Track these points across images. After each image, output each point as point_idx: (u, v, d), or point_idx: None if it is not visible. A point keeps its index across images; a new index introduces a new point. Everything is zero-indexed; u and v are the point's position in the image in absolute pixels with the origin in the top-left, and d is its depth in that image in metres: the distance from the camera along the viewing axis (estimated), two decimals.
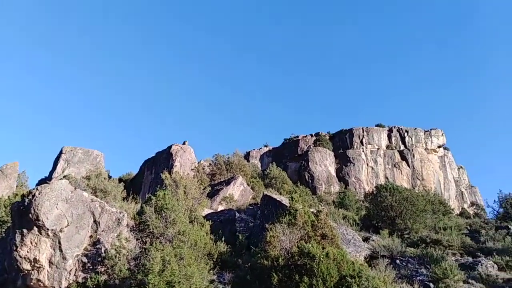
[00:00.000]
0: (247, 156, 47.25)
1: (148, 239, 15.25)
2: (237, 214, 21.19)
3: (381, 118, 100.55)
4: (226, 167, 33.92)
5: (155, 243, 11.88)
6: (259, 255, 10.25)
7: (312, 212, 14.05)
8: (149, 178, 34.58)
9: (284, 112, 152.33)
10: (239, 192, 27.35)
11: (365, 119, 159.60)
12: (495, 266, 16.04)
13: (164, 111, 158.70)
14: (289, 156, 45.98)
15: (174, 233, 13.54)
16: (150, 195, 17.14)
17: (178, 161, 31.83)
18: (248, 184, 30.47)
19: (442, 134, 45.05)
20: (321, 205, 24.89)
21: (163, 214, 14.66)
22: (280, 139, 54.09)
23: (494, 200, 25.62)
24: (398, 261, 16.75)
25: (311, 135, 47.24)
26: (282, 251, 10.34)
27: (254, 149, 49.55)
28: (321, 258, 8.97)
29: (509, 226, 21.50)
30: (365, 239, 19.39)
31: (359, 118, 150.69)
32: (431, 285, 13.78)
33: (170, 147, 34.25)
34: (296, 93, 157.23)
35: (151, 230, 14.44)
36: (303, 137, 47.35)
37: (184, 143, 35.43)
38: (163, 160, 33.67)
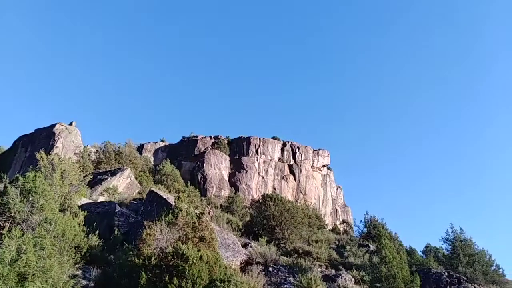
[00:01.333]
0: (140, 149, 45.28)
1: (7, 223, 13.50)
2: (118, 208, 20.06)
3: (278, 131, 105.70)
4: (115, 156, 32.01)
5: (14, 229, 10.54)
6: (131, 252, 9.77)
7: (196, 213, 13.97)
8: (23, 156, 30.86)
9: (187, 110, 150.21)
10: (124, 185, 25.97)
11: (264, 129, 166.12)
12: (353, 279, 17.85)
13: (52, 82, 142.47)
14: (185, 155, 45.36)
15: (39, 221, 12.22)
16: (18, 175, 15.25)
17: (60, 142, 29.00)
18: (136, 178, 29.15)
19: (328, 155, 49.14)
20: (208, 208, 24.98)
21: (30, 198, 13.16)
22: (179, 136, 53.03)
23: (361, 220, 28.67)
24: (270, 269, 17.59)
25: (211, 137, 47.34)
26: (157, 250, 10.03)
27: (149, 142, 47.73)
28: (194, 261, 8.93)
29: (369, 245, 24.18)
30: (245, 245, 19.96)
31: (260, 127, 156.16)
32: None
33: (53, 125, 31.05)
34: (201, 94, 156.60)
35: (12, 214, 12.83)
36: (202, 137, 47.19)
37: (71, 124, 32.46)
38: (43, 138, 30.35)
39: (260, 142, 45.77)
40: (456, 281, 16.83)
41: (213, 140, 46.66)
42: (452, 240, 21.86)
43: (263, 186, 43.12)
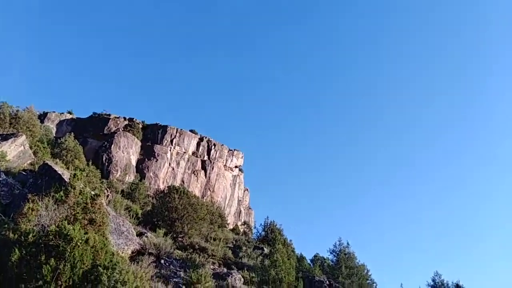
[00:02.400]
0: (43, 117, 41.34)
1: None
2: (3, 176, 17.99)
3: (197, 125, 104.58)
4: (11, 120, 28.71)
5: None
6: (6, 225, 8.80)
7: (91, 194, 13.11)
8: None
9: (103, 85, 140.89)
10: (16, 153, 23.39)
11: (184, 120, 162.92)
12: (242, 279, 18.30)
13: None
14: (93, 132, 42.47)
15: None
16: None
17: None
18: (31, 147, 26.43)
19: (242, 156, 49.95)
20: (107, 191, 23.66)
21: None
22: (89, 111, 49.46)
23: (261, 224, 29.62)
24: (163, 261, 17.24)
25: (124, 118, 44.99)
26: (38, 227, 9.18)
27: (54, 112, 43.83)
28: (78, 243, 8.35)
29: (264, 248, 25.03)
30: (140, 234, 19.30)
31: (180, 117, 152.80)
32: (183, 287, 14.63)
33: None
34: (121, 71, 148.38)
35: None
36: (115, 117, 44.62)
37: None
38: None
39: (176, 132, 44.78)
40: None
41: (126, 122, 44.44)
42: (338, 252, 23.62)
43: (172, 177, 42.22)
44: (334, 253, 23.89)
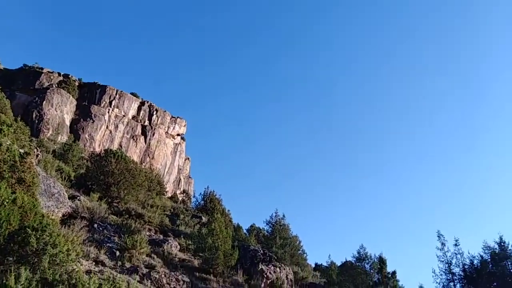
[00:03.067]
0: None
1: None
2: None
3: (138, 88, 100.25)
4: None
5: None
6: None
7: (19, 152, 12.14)
8: None
9: (36, 34, 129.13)
10: None
11: (125, 81, 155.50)
12: (178, 246, 18.33)
13: None
14: (23, 86, 39.02)
15: None
16: None
17: None
18: None
19: (185, 125, 49.02)
20: (37, 150, 22.08)
21: None
22: (19, 62, 45.27)
23: (200, 193, 29.62)
24: (96, 226, 16.66)
25: (59, 74, 41.77)
26: None
27: None
28: (5, 203, 7.75)
29: (202, 217, 25.18)
30: (72, 197, 18.40)
31: (121, 78, 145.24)
32: (117, 252, 14.33)
33: None
34: (59, 22, 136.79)
35: None
36: (48, 72, 41.25)
37: None
38: None
39: (116, 94, 42.63)
40: (268, 259, 18.90)
41: (61, 78, 41.37)
42: (273, 223, 24.48)
43: (109, 141, 40.45)
44: (269, 224, 24.72)
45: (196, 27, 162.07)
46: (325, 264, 28.31)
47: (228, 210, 28.33)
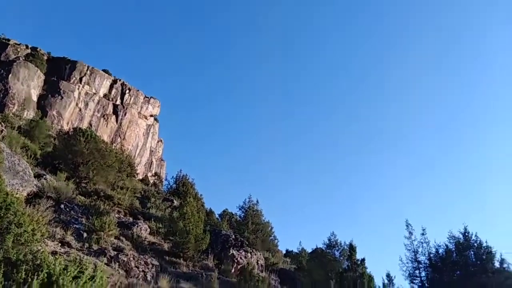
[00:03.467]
0: None
1: None
2: None
3: (111, 65, 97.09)
4: None
5: None
6: None
7: None
8: None
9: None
10: None
11: (98, 58, 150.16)
12: (148, 230, 17.97)
13: None
14: None
15: None
16: None
17: None
18: None
19: (159, 106, 47.91)
20: (1, 125, 20.98)
21: None
22: None
23: (173, 176, 29.18)
24: (63, 206, 16.05)
25: (27, 47, 39.68)
26: None
27: None
28: None
29: (174, 201, 24.81)
30: (38, 176, 17.64)
31: (93, 54, 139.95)
32: (85, 234, 13.86)
33: None
34: None
35: None
36: (15, 43, 39.10)
37: None
38: None
39: (87, 70, 41.02)
40: (239, 244, 18.86)
41: (29, 51, 39.36)
42: (246, 208, 24.44)
43: (79, 119, 39.05)
44: (242, 210, 24.67)
45: (169, 2, 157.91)
46: (296, 250, 28.71)
47: (201, 195, 28.06)
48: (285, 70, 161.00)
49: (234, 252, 18.29)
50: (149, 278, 13.12)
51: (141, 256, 13.98)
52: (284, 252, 30.53)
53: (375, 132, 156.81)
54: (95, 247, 13.37)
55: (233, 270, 17.45)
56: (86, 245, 13.25)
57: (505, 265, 21.74)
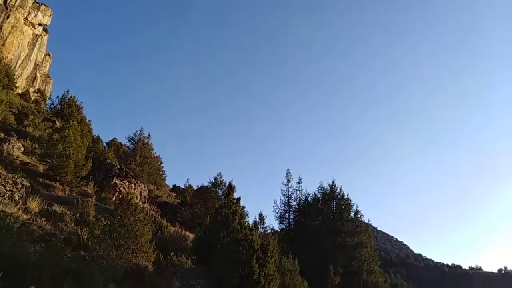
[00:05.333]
0: None
1: None
2: None
3: None
4: None
5: None
6: None
7: None
8: None
9: None
10: None
11: None
12: (22, 149, 16.61)
13: None
14: None
15: None
16: None
17: None
18: None
19: (50, 15, 41.99)
20: None
21: None
22: None
23: (58, 96, 26.72)
24: None
25: None
26: None
27: None
28: None
29: (57, 122, 23.03)
30: None
31: None
32: None
33: None
34: None
35: None
36: None
37: None
38: None
39: None
40: (124, 174, 18.68)
41: None
42: (136, 140, 23.96)
43: None
44: (132, 141, 24.13)
45: None
46: (183, 186, 29.44)
47: (89, 120, 26.51)
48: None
49: (117, 182, 18.11)
50: (17, 198, 12.40)
51: (10, 175, 13.03)
52: (171, 187, 31.11)
53: None
54: None
55: (114, 198, 17.38)
56: None
57: (358, 216, 25.62)
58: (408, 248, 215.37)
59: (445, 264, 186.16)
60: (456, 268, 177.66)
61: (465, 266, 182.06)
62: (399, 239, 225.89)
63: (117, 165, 19.19)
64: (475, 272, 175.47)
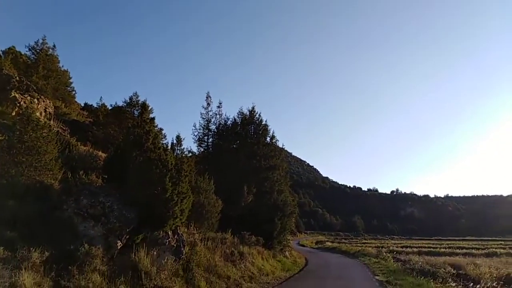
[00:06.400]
0: None
1: None
2: None
3: None
4: None
5: None
6: None
7: None
8: None
9: None
10: None
11: None
12: None
13: None
14: None
15: None
16: None
17: None
18: None
19: None
20: None
21: None
22: None
23: None
24: None
25: None
26: None
27: None
28: None
29: None
30: None
31: None
32: None
33: None
34: None
35: None
36: None
37: None
38: None
39: None
40: (24, 88, 16.88)
41: None
42: (38, 50, 21.37)
43: None
44: (33, 51, 21.44)
45: None
46: (96, 105, 27.63)
47: None
48: None
49: (17, 95, 16.35)
50: None
51: None
52: (82, 105, 29.07)
53: None
54: None
55: (14, 113, 15.79)
56: None
57: (274, 141, 26.83)
58: (318, 171, 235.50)
59: (348, 186, 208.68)
60: (357, 190, 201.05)
61: (364, 188, 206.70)
62: (311, 164, 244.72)
63: (16, 77, 17.15)
64: (372, 193, 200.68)
